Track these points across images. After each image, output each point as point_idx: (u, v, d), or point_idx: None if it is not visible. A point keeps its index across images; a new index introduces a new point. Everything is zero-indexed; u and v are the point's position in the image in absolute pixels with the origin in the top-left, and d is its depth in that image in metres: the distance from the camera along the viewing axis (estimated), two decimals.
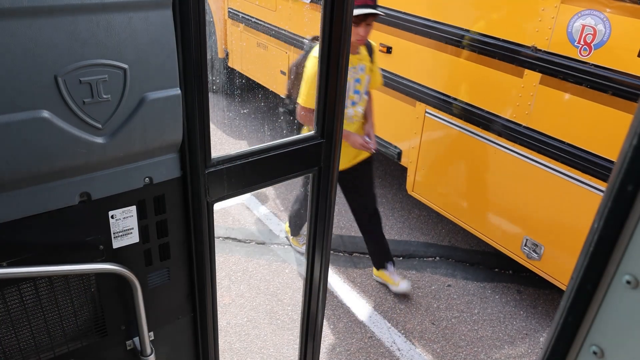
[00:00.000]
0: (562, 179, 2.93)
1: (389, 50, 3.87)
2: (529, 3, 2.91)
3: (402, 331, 3.30)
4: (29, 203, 1.17)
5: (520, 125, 3.08)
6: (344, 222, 4.34)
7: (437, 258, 3.99)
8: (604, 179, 2.73)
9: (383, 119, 4.20)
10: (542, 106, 2.95)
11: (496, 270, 3.89)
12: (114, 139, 1.19)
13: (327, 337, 3.22)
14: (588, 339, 0.65)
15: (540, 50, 2.89)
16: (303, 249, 3.90)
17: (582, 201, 2.87)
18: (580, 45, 2.70)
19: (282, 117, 6.09)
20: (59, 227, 1.23)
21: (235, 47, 6.02)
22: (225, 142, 5.64)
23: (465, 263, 3.95)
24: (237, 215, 4.40)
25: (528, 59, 2.95)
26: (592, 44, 2.65)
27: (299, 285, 3.64)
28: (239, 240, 4.09)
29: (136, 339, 1.49)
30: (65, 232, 1.25)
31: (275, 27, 5.17)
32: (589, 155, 2.77)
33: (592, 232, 0.62)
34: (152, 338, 1.52)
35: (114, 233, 1.32)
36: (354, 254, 4.00)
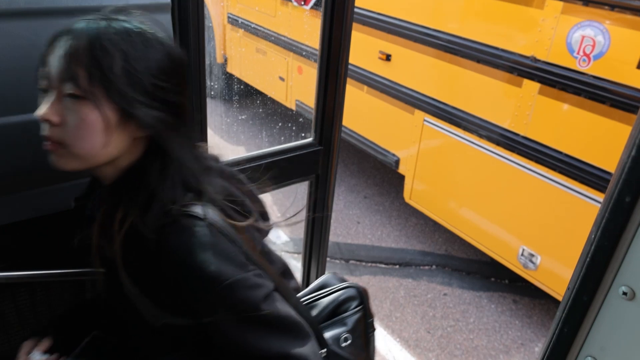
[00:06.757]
0: (560, 189, 2.93)
1: (388, 57, 3.88)
2: (529, 13, 2.92)
3: (398, 339, 3.28)
4: (25, 206, 1.16)
5: (518, 134, 3.09)
6: (340, 229, 4.33)
7: (434, 266, 3.98)
8: (601, 190, 2.73)
9: (381, 127, 4.21)
10: (541, 116, 2.96)
11: (492, 279, 3.88)
12: None
13: None
14: (583, 350, 0.65)
15: (539, 60, 2.90)
16: None
17: (579, 212, 2.87)
18: (580, 56, 2.71)
19: (280, 124, 6.10)
20: (55, 231, 1.23)
21: (234, 53, 6.03)
22: (223, 147, 5.63)
23: (461, 272, 3.94)
24: None
25: (527, 69, 2.96)
26: (591, 55, 2.66)
27: None
28: None
29: None
30: (61, 236, 1.24)
31: (275, 33, 5.18)
32: (587, 166, 2.78)
33: (589, 243, 0.61)
34: None
35: None
36: (351, 261, 3.99)
